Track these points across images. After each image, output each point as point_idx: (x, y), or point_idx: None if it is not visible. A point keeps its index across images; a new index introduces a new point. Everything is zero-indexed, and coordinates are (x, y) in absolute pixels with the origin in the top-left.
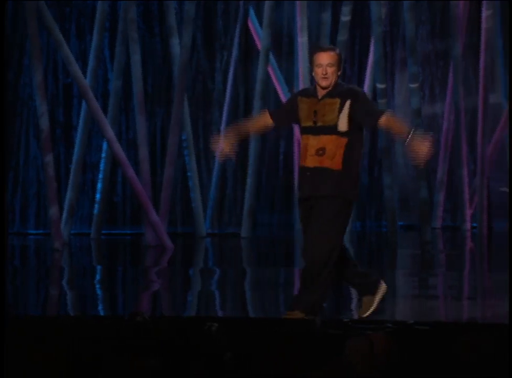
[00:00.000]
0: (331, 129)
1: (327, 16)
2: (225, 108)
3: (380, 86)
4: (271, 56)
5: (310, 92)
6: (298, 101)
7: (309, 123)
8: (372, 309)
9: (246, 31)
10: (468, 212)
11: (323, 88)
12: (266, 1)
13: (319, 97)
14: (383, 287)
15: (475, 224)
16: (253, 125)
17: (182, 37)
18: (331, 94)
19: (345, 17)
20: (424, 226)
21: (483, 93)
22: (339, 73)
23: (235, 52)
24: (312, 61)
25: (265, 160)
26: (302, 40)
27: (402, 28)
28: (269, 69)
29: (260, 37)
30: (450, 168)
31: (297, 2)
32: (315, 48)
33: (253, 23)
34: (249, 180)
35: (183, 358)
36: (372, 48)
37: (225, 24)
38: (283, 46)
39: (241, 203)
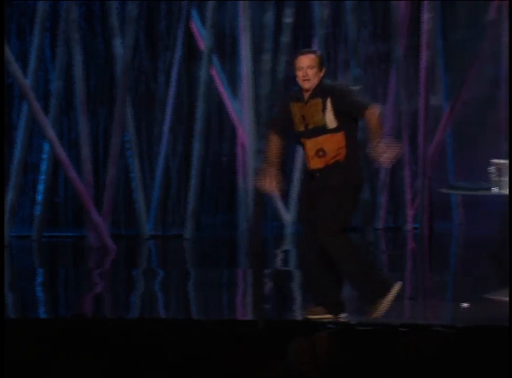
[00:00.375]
0: (323, 129)
1: (269, 17)
2: (168, 109)
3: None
4: (214, 57)
5: (297, 96)
6: (291, 107)
7: (302, 128)
8: (318, 317)
9: (189, 32)
10: (410, 213)
11: (305, 90)
12: (209, 2)
13: (305, 100)
14: (340, 314)
15: (416, 225)
16: (273, 154)
17: (124, 37)
18: (313, 95)
19: (288, 18)
20: (367, 227)
21: (425, 95)
22: (321, 74)
23: (178, 52)
24: (294, 66)
25: (209, 161)
26: (245, 41)
27: (344, 29)
28: (213, 70)
29: (203, 37)
30: (392, 169)
31: (240, 3)
32: (295, 53)
33: (195, 24)
34: (193, 181)
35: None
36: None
37: (168, 24)
38: (226, 47)
39: (184, 204)
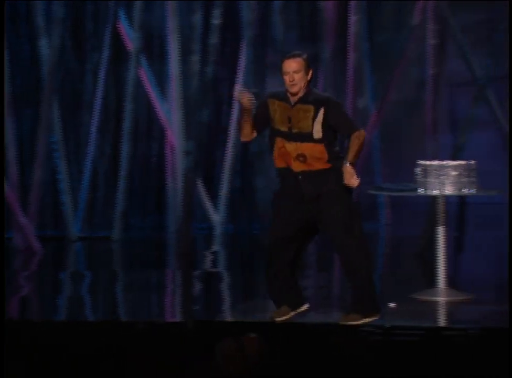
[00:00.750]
0: (307, 137)
1: (197, 18)
2: (96, 110)
3: (252, 90)
4: (142, 58)
5: (281, 96)
6: (269, 103)
7: (284, 128)
8: (285, 318)
9: (116, 33)
10: None
11: (292, 94)
12: (136, 2)
13: (292, 103)
14: (303, 307)
15: None
16: (248, 123)
17: (51, 38)
18: (304, 100)
19: (216, 20)
20: None
21: (352, 96)
22: (308, 78)
23: (105, 53)
24: (281, 70)
25: (137, 162)
26: (173, 42)
27: (272, 31)
28: (141, 71)
29: (131, 38)
30: None
31: (168, 3)
32: (281, 57)
33: (123, 25)
34: (121, 182)
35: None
36: (243, 51)
37: (95, 25)
38: (154, 48)
39: (112, 206)
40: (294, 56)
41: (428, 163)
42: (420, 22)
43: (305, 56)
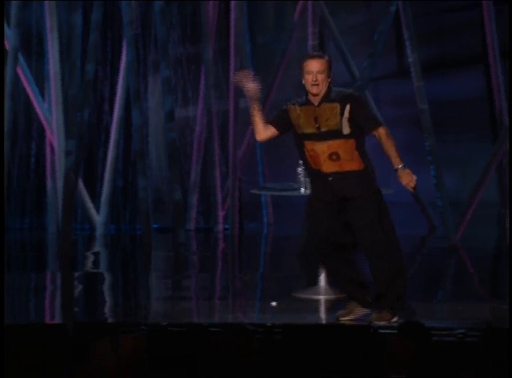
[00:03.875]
0: (337, 134)
1: (77, 16)
2: None
3: (134, 88)
4: (20, 57)
5: (301, 102)
6: (289, 110)
7: (311, 130)
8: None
9: None
10: (221, 213)
11: (314, 95)
12: (13, 2)
13: (315, 104)
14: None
15: (227, 226)
16: (259, 117)
17: None
18: (328, 99)
19: (96, 18)
20: (178, 228)
21: (234, 97)
22: (329, 80)
23: None
24: (302, 69)
25: (16, 162)
26: (52, 41)
27: (153, 31)
28: (19, 69)
29: (8, 36)
30: (204, 170)
31: (46, 2)
32: (304, 56)
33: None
34: None
35: None
36: (124, 50)
37: None
38: (32, 46)
39: None
40: (318, 56)
41: None
42: (301, 23)
43: (327, 57)
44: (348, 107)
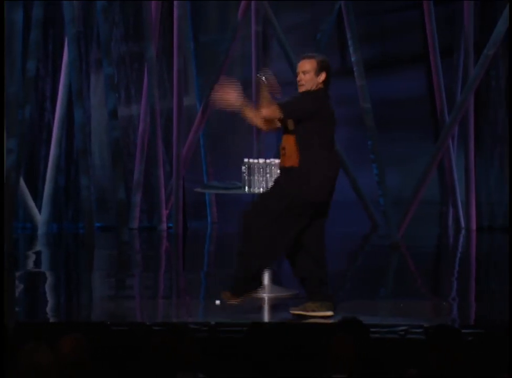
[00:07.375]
0: (286, 129)
1: (18, 15)
2: None
3: (76, 86)
4: None
5: None
6: None
7: (279, 124)
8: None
9: None
10: (164, 212)
11: None
12: None
13: None
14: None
15: (171, 225)
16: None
17: None
18: None
19: (37, 16)
20: (121, 227)
21: (178, 96)
22: (319, 79)
23: None
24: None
25: None
26: None
27: (96, 29)
28: None
29: None
30: (147, 169)
31: None
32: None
33: None
34: None
35: None
36: (66, 48)
37: None
38: None
39: None
40: (306, 57)
41: (253, 160)
42: (244, 22)
43: (319, 58)
44: None
